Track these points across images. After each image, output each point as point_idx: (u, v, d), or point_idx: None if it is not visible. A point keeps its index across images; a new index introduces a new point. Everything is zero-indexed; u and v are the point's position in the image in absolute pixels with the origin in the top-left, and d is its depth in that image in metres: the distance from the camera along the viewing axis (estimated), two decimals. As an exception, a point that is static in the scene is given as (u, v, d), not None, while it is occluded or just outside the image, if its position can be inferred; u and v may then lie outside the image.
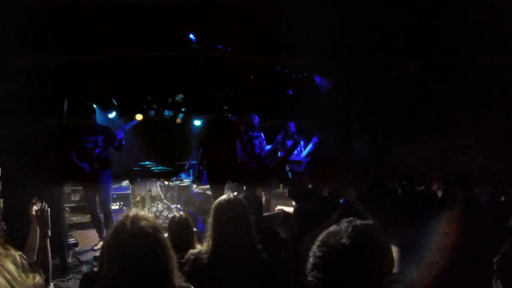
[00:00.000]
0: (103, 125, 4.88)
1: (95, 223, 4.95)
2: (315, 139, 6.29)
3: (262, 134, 5.88)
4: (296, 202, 3.74)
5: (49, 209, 2.44)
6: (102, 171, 4.64)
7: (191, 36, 4.97)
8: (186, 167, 7.09)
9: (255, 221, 2.22)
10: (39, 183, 4.94)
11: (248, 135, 5.69)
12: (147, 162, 7.13)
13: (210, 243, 2.13)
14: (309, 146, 6.36)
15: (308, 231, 2.55)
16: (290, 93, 7.98)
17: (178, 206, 6.50)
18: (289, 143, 6.40)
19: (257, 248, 2.13)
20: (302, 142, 6.51)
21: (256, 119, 5.72)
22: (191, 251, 2.23)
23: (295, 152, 6.41)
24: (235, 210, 2.15)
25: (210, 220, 2.19)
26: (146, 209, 6.78)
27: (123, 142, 4.73)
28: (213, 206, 2.24)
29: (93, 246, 4.83)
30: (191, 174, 7.01)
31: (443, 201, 3.88)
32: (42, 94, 4.54)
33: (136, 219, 1.56)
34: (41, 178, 5.10)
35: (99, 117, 6.19)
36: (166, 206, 6.60)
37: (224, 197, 2.27)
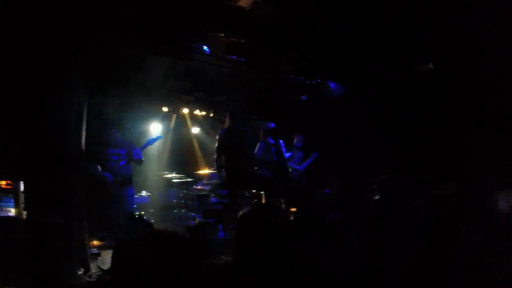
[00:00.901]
0: (126, 139, 5.05)
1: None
2: (315, 155, 6.62)
3: (281, 142, 5.93)
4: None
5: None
6: (125, 182, 4.76)
7: (205, 47, 5.05)
8: (206, 177, 7.18)
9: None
10: (62, 195, 5.12)
11: (266, 143, 5.75)
12: (166, 172, 7.24)
13: (235, 254, 2.17)
14: (309, 160, 6.68)
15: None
16: (304, 99, 8.04)
17: (198, 215, 6.58)
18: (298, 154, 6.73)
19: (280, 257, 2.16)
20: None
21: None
22: (216, 262, 2.28)
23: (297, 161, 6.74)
24: (259, 221, 2.18)
25: (234, 231, 2.23)
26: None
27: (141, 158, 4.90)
28: (237, 217, 2.27)
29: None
30: (211, 184, 7.08)
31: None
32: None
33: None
34: (64, 190, 5.30)
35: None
36: (185, 215, 6.69)
37: (247, 208, 2.31)
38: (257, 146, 5.82)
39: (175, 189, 7.08)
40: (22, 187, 7.18)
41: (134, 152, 4.83)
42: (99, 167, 4.72)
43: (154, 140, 5.19)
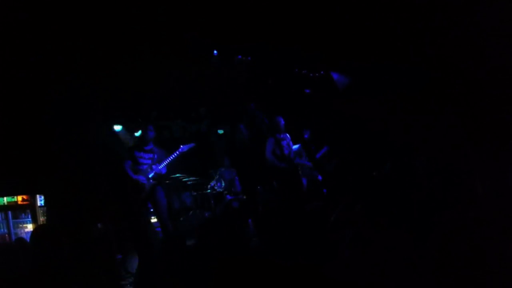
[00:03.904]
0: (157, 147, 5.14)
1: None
2: (326, 148, 6.67)
3: (288, 135, 6.02)
4: None
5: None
6: (157, 185, 4.91)
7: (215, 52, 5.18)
8: (217, 176, 7.25)
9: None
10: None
11: (275, 138, 5.83)
12: (178, 175, 7.30)
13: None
14: (319, 153, 6.77)
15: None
16: (308, 92, 8.11)
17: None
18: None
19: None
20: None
21: (282, 122, 5.88)
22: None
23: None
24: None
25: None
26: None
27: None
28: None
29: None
30: (223, 183, 7.16)
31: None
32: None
33: None
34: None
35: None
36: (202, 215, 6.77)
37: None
38: (267, 141, 5.90)
39: (190, 191, 7.15)
40: (39, 202, 7.17)
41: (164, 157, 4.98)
42: (130, 170, 4.83)
43: (187, 147, 5.10)
